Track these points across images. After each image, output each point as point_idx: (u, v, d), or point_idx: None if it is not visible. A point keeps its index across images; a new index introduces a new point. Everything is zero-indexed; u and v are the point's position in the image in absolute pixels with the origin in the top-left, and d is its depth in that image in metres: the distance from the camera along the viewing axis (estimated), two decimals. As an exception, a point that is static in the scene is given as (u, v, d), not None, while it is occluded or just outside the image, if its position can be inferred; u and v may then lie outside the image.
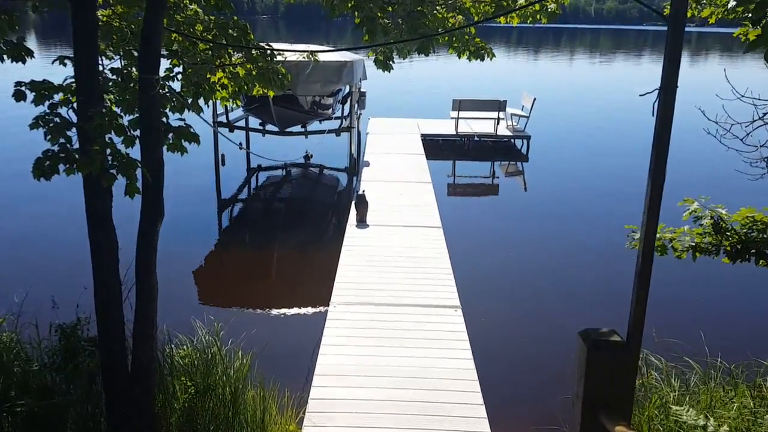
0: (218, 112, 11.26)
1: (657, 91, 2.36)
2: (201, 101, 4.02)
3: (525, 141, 14.00)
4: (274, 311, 6.39)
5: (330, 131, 11.45)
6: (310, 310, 6.34)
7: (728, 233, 3.80)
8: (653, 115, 2.37)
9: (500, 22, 4.64)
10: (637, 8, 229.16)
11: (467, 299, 5.76)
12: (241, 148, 12.77)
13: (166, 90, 3.70)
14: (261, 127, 11.53)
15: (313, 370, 4.44)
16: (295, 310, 6.38)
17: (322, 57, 9.63)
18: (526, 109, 14.30)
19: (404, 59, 4.67)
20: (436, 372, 4.49)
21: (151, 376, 3.21)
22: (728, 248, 3.79)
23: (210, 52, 3.80)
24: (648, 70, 41.61)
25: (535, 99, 13.96)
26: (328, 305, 5.54)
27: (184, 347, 3.99)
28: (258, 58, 3.79)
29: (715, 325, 5.95)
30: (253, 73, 3.83)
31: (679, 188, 4.28)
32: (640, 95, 2.62)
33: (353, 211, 7.85)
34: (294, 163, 12.58)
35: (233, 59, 3.83)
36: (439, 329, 5.15)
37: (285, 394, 4.09)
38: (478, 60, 4.46)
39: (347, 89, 11.77)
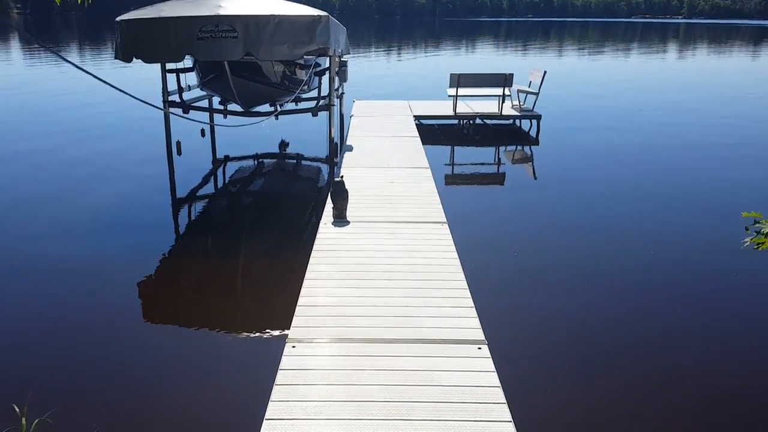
0: (169, 90, 9.25)
1: None
2: None
3: (534, 122, 12.12)
4: (195, 358, 4.16)
5: (305, 110, 9.47)
6: (255, 351, 4.24)
7: None
8: None
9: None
10: (625, 1, 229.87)
11: (494, 330, 3.88)
12: (203, 135, 10.88)
13: None
14: (222, 107, 9.52)
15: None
16: (230, 354, 4.21)
17: (290, 12, 7.68)
18: (535, 86, 12.41)
19: None
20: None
21: None
22: None
23: None
24: (642, 58, 40.15)
25: (545, 72, 12.07)
26: (284, 344, 3.63)
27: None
28: None
29: None
30: None
31: None
32: None
33: (329, 204, 5.94)
34: (267, 153, 10.69)
35: None
36: (458, 383, 3.25)
37: None
38: None
39: (326, 63, 9.81)
